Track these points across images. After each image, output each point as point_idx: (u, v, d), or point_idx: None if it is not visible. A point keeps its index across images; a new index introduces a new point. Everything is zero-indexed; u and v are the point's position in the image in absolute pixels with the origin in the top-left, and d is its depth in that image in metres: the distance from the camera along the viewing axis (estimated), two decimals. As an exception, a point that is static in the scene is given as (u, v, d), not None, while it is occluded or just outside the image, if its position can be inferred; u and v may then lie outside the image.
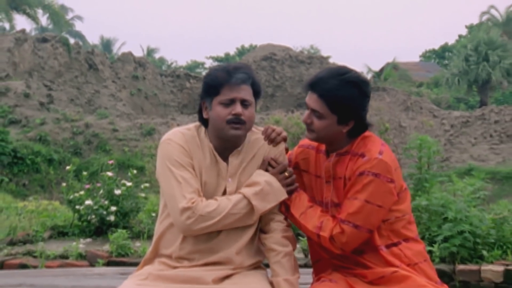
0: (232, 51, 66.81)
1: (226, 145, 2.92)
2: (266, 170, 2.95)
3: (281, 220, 2.96)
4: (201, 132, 2.95)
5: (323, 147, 3.02)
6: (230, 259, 2.87)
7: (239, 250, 2.89)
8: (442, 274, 4.63)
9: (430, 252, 5.01)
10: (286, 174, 2.95)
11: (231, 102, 2.82)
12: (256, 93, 2.90)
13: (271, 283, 2.88)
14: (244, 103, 2.84)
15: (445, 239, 5.13)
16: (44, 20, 33.37)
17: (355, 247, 2.83)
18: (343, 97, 2.81)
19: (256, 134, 3.02)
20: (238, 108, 2.81)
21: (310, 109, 2.88)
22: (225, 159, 2.93)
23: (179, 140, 2.88)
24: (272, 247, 2.92)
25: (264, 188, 2.87)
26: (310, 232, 2.88)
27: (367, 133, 2.92)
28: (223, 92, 2.82)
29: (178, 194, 2.79)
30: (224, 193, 2.91)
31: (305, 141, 3.12)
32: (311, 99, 2.87)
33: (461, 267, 5.04)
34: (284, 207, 2.95)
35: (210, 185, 2.89)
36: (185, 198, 2.78)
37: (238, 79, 2.82)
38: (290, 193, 2.94)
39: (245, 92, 2.84)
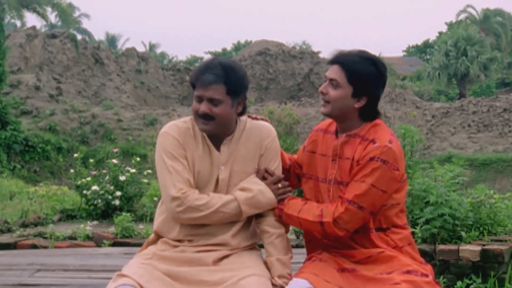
0: (229, 47, 66.64)
1: (215, 134, 2.90)
2: (263, 178, 2.94)
3: None
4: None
5: (332, 128, 3.00)
6: (226, 242, 2.87)
7: (234, 234, 2.89)
8: (423, 254, 4.64)
9: (412, 233, 5.01)
10: (279, 185, 2.93)
11: (200, 100, 2.84)
12: (232, 92, 2.84)
13: (266, 263, 2.89)
14: (213, 102, 2.81)
15: (427, 221, 5.13)
16: (53, 17, 33.19)
17: (357, 228, 2.82)
18: (362, 70, 2.83)
19: (249, 123, 2.99)
20: (202, 107, 2.82)
21: (329, 79, 2.88)
22: (218, 148, 2.92)
23: (174, 133, 2.89)
24: (265, 229, 2.92)
25: (256, 196, 2.86)
26: (312, 223, 2.84)
27: (378, 121, 2.91)
28: (196, 89, 2.85)
29: (169, 183, 2.81)
30: (218, 180, 2.90)
31: (317, 126, 3.12)
32: (332, 70, 2.89)
33: (441, 247, 5.05)
34: (277, 212, 2.93)
35: (204, 174, 2.88)
36: (175, 187, 2.79)
37: (205, 80, 2.80)
38: (280, 201, 2.92)
39: (213, 92, 2.80)
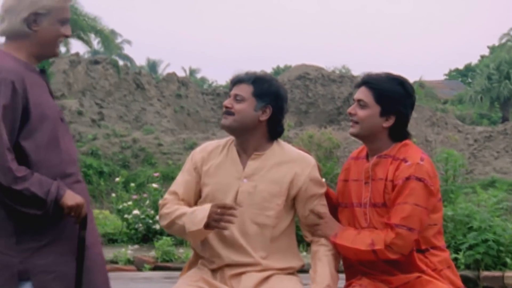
0: (268, 71, 66.89)
1: (243, 146, 2.96)
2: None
3: None
4: (231, 139, 3.03)
5: (362, 154, 3.01)
6: (256, 261, 2.86)
7: (263, 253, 2.88)
8: (467, 280, 4.56)
9: (455, 259, 4.95)
10: (218, 211, 2.76)
11: (229, 97, 2.99)
12: (258, 94, 2.93)
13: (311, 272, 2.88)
14: (236, 98, 2.94)
15: (470, 247, 5.07)
16: (96, 44, 33.83)
17: (410, 249, 2.78)
18: (388, 88, 2.87)
19: (284, 148, 3.00)
20: (226, 101, 2.97)
21: (356, 100, 2.92)
22: (246, 163, 2.96)
23: (199, 149, 3.07)
24: (323, 242, 2.92)
25: (195, 211, 2.82)
26: (364, 252, 2.81)
27: (407, 141, 2.91)
28: None
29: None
30: (237, 194, 2.91)
31: (349, 156, 3.13)
32: (359, 91, 2.93)
33: (485, 273, 4.97)
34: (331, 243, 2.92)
35: (223, 185, 2.93)
36: (163, 197, 3.01)
37: (236, 79, 2.99)
38: (210, 227, 2.77)
39: (239, 89, 2.96)
